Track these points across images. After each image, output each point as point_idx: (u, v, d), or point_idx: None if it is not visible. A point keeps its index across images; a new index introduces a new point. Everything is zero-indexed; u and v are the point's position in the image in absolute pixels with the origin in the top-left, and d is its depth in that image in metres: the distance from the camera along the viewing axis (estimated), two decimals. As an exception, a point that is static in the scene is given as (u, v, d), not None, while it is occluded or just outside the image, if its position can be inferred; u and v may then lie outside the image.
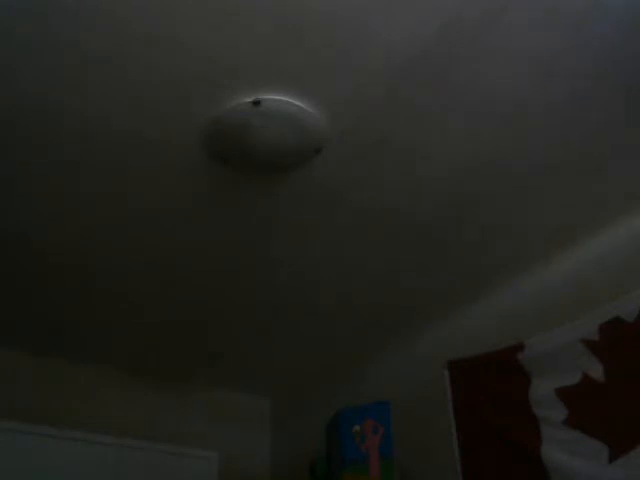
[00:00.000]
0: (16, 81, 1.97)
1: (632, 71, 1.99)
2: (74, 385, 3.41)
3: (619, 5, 1.81)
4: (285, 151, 2.20)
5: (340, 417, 2.99)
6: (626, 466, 2.23)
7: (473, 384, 2.78)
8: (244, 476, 3.61)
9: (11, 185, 2.35)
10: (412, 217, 2.56)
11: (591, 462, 2.32)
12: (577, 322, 2.48)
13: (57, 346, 3.35)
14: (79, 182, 2.35)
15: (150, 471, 3.42)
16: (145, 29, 1.84)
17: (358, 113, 2.11)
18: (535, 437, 2.50)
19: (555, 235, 2.66)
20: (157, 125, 2.13)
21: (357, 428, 2.92)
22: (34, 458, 3.19)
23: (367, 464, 2.84)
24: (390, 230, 2.63)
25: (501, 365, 2.69)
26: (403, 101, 2.07)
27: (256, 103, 2.04)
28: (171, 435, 3.54)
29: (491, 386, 2.72)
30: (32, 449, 3.20)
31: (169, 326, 3.21)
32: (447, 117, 2.13)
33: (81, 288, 2.93)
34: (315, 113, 2.09)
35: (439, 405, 2.87)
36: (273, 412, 3.98)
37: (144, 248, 2.70)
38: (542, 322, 2.63)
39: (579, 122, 2.16)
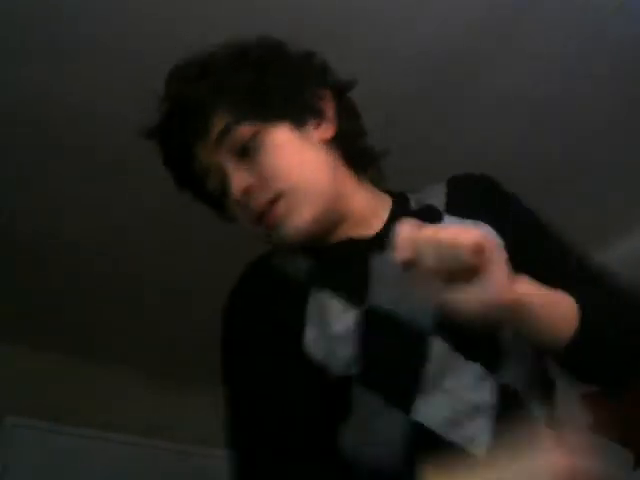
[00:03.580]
0: (29, 82, 1.99)
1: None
2: (89, 385, 3.43)
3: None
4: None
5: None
6: (652, 473, 2.21)
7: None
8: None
9: (21, 186, 2.37)
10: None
11: (616, 468, 2.30)
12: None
13: (75, 347, 3.36)
14: (85, 182, 2.36)
15: (171, 471, 3.43)
16: (167, 29, 1.85)
17: (378, 113, 2.10)
18: (559, 443, 2.47)
19: (576, 235, 2.63)
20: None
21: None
22: (56, 457, 3.21)
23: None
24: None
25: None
26: (424, 101, 2.06)
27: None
28: (193, 435, 3.55)
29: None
30: (55, 448, 3.22)
31: (184, 326, 3.22)
32: (466, 117, 2.12)
33: (97, 288, 2.94)
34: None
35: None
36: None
37: (161, 248, 2.71)
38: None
39: (602, 122, 2.14)
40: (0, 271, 2.80)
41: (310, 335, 0.94)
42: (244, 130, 0.98)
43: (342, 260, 1.00)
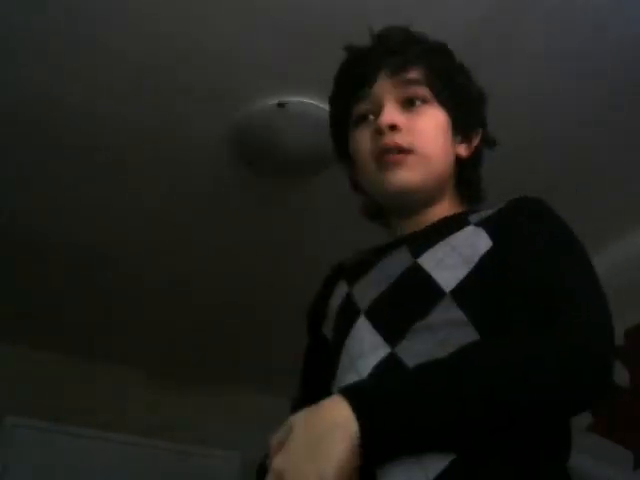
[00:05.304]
0: (35, 83, 1.99)
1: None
2: (89, 385, 3.43)
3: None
4: (309, 153, 2.20)
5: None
6: (652, 473, 2.21)
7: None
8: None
9: (21, 186, 2.37)
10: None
11: (616, 468, 2.30)
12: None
13: (75, 347, 3.36)
14: (85, 182, 2.36)
15: (171, 472, 3.43)
16: (169, 30, 1.84)
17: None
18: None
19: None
20: (181, 126, 2.14)
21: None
22: (56, 457, 3.21)
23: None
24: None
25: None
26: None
27: (281, 105, 2.04)
28: (193, 436, 3.55)
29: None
30: (55, 448, 3.22)
31: (192, 327, 3.22)
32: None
33: (97, 288, 2.94)
34: (339, 115, 2.08)
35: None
36: (295, 413, 3.98)
37: (161, 247, 2.71)
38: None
39: (602, 122, 2.14)
40: (0, 271, 2.80)
41: (328, 316, 1.16)
42: (423, 91, 1.14)
43: (375, 252, 1.17)
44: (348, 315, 1.07)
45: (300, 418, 0.88)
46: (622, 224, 2.56)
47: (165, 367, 3.54)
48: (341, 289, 1.15)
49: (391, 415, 0.85)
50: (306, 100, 2.03)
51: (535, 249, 1.00)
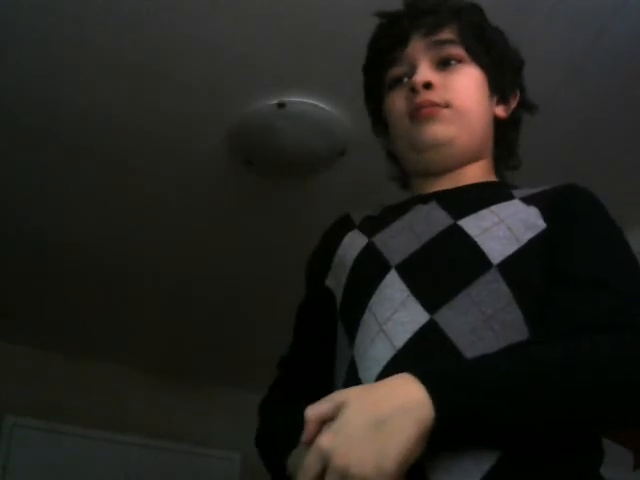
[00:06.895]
0: (35, 85, 1.99)
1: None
2: (96, 385, 3.43)
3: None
4: (309, 153, 2.20)
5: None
6: (652, 473, 2.21)
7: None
8: (266, 478, 3.61)
9: (21, 185, 2.37)
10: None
11: (616, 468, 2.30)
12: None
13: (75, 346, 3.37)
14: (85, 182, 2.36)
15: (172, 472, 3.43)
16: (168, 30, 1.84)
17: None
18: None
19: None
20: (181, 126, 2.14)
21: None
22: (56, 457, 3.21)
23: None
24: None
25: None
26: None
27: (280, 105, 2.04)
28: (193, 436, 3.55)
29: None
30: (55, 448, 3.22)
31: (192, 327, 3.22)
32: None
33: (97, 288, 2.95)
34: (339, 115, 2.08)
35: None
36: (295, 413, 3.98)
37: (161, 248, 2.71)
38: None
39: (601, 123, 2.14)
40: (0, 270, 2.80)
41: (333, 268, 1.08)
42: (458, 51, 1.12)
43: (392, 208, 1.11)
44: (373, 268, 0.99)
45: (357, 395, 0.79)
46: (621, 224, 2.55)
47: (165, 367, 3.54)
48: (356, 239, 1.07)
49: (475, 402, 0.78)
50: (306, 100, 2.03)
51: (589, 242, 0.98)
